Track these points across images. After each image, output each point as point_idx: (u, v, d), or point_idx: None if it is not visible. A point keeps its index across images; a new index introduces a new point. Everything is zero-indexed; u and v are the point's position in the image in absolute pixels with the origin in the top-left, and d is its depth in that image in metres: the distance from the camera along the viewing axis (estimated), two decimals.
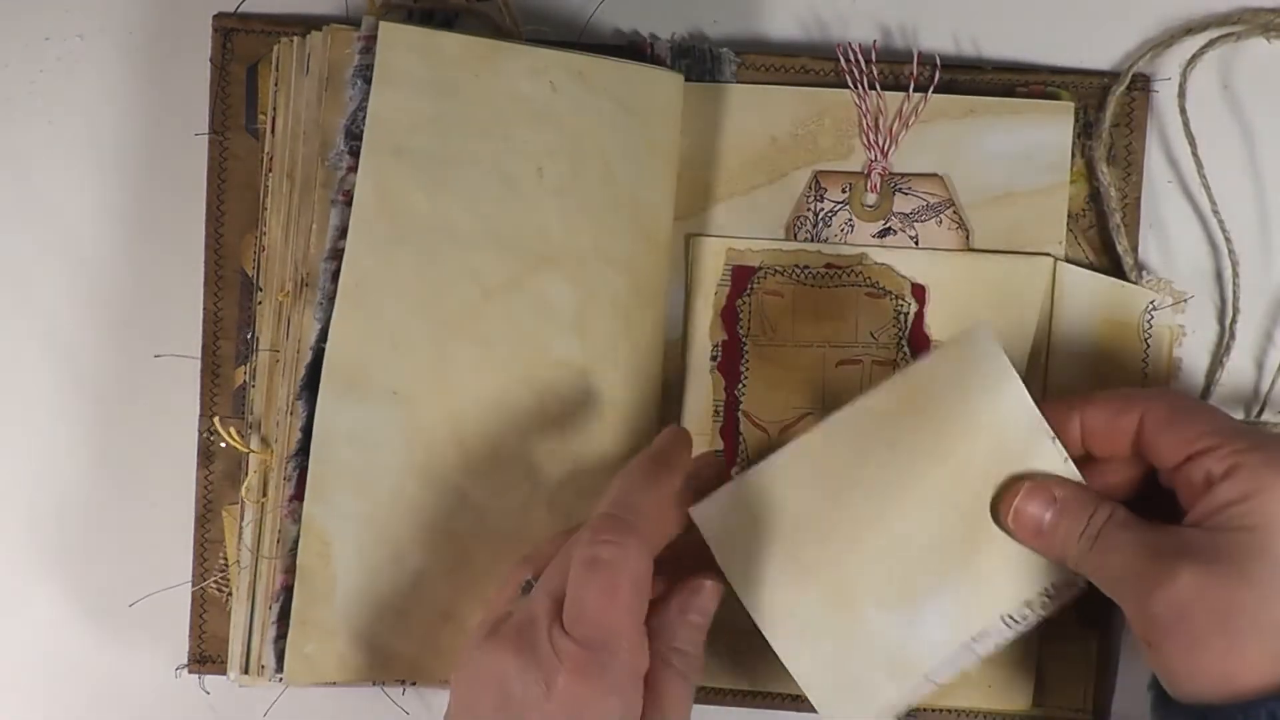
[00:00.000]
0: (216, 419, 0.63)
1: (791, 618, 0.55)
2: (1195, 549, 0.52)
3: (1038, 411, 0.55)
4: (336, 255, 0.58)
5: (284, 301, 0.61)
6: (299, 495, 0.58)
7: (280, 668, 0.58)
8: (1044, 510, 0.55)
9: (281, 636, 0.58)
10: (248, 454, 0.62)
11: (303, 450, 0.58)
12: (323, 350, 0.58)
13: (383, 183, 0.58)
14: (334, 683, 0.59)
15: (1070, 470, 0.56)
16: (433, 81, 0.58)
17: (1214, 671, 0.51)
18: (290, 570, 0.58)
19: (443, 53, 0.58)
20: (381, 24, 0.57)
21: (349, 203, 0.58)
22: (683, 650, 0.54)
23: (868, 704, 0.56)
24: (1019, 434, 0.55)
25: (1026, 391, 0.55)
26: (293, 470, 0.59)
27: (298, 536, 0.58)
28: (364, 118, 0.57)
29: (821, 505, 0.55)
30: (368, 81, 0.57)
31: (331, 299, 0.58)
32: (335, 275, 0.58)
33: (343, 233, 0.58)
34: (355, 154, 0.58)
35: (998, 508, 0.56)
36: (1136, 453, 0.56)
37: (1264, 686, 0.50)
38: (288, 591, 0.58)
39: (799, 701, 0.63)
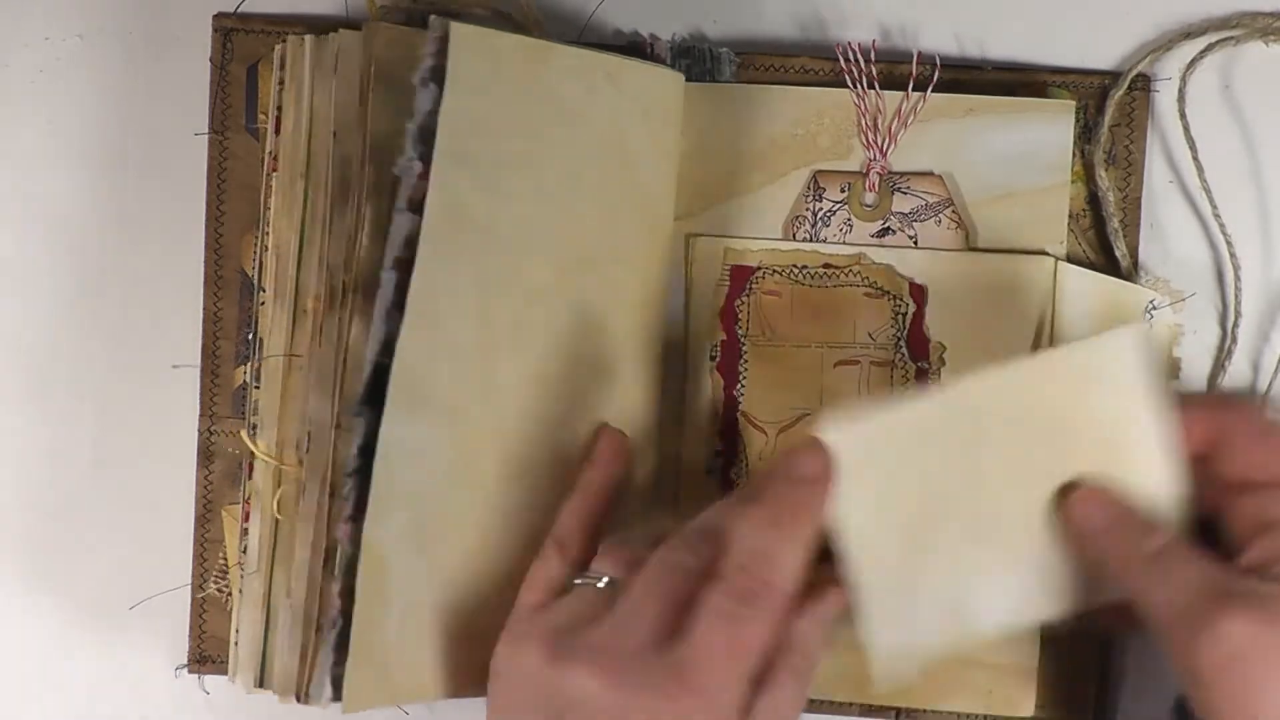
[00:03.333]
0: (243, 433, 0.61)
1: (880, 565, 0.54)
2: (1250, 596, 0.50)
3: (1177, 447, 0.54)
4: (399, 265, 0.54)
5: (315, 307, 0.59)
6: (355, 516, 0.55)
7: (337, 695, 0.55)
8: (1105, 512, 0.53)
9: (339, 664, 0.55)
10: (254, 458, 0.61)
11: (360, 470, 0.55)
12: (384, 365, 0.54)
13: (452, 191, 0.55)
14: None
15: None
16: (493, 84, 0.56)
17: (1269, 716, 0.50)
18: (345, 594, 0.55)
19: (502, 54, 0.56)
20: (453, 25, 0.54)
21: (414, 210, 0.54)
22: (805, 656, 0.53)
23: (915, 644, 0.55)
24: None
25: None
26: (350, 490, 0.55)
27: (353, 559, 0.55)
28: (434, 122, 0.54)
29: (936, 465, 0.54)
30: (439, 84, 0.54)
31: (393, 310, 0.54)
32: (398, 286, 0.54)
33: (409, 242, 0.54)
34: (425, 160, 0.54)
35: (1060, 500, 0.54)
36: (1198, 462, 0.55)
37: None
38: (345, 617, 0.55)
39: None
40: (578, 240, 0.59)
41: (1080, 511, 0.54)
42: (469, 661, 0.58)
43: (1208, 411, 0.55)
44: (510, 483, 0.58)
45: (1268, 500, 0.52)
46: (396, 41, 0.57)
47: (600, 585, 0.55)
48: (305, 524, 0.58)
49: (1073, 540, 0.54)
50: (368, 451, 0.55)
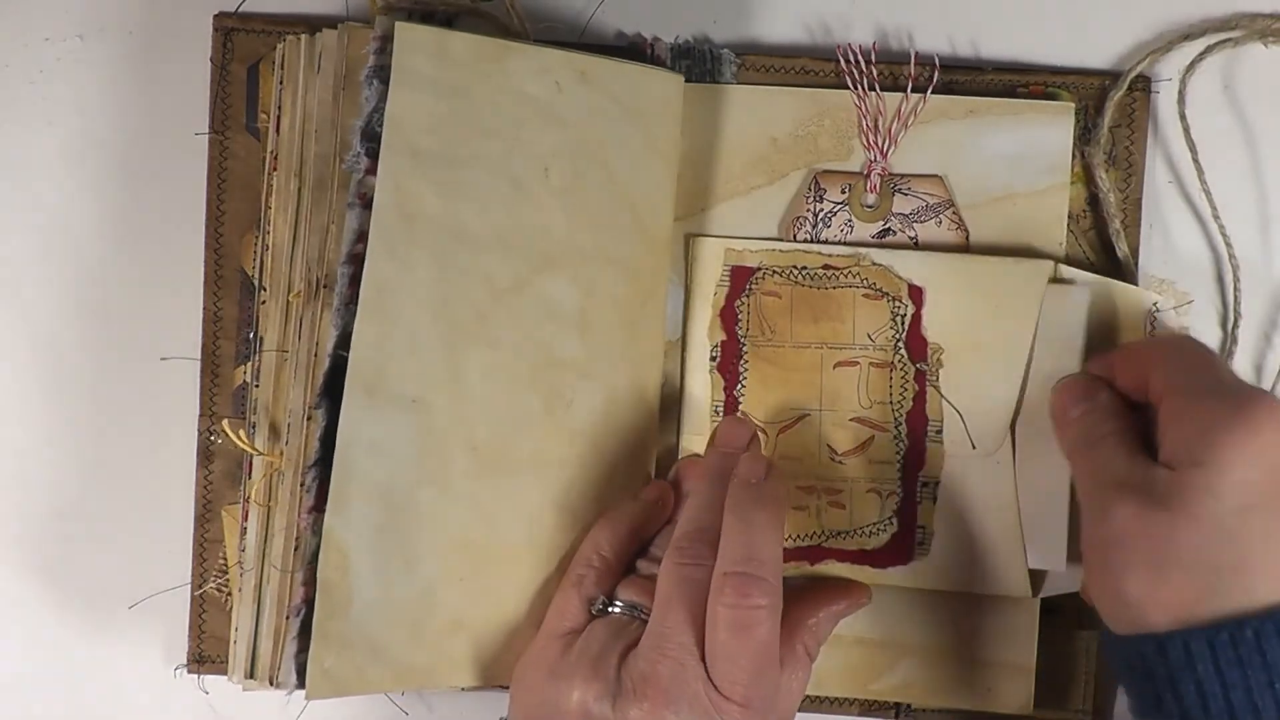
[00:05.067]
0: (225, 422, 0.62)
1: None
2: (1143, 485, 0.53)
3: None
4: (353, 260, 0.57)
5: (295, 302, 0.60)
6: (318, 506, 0.57)
7: (301, 682, 0.57)
8: (1075, 406, 0.58)
9: (302, 651, 0.56)
10: (254, 455, 0.61)
11: (321, 461, 0.57)
12: (341, 357, 0.56)
13: (401, 186, 0.57)
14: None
15: None
16: (445, 82, 0.57)
17: (1132, 604, 0.52)
18: (310, 583, 0.56)
19: (454, 53, 0.57)
20: (397, 25, 0.56)
21: (366, 205, 0.56)
22: (819, 641, 0.60)
23: None
24: None
25: None
26: (312, 481, 0.57)
27: (318, 549, 0.56)
28: (380, 119, 0.56)
29: None
30: (384, 82, 0.56)
31: (348, 304, 0.56)
32: (352, 280, 0.56)
33: (360, 236, 0.56)
34: (372, 156, 0.56)
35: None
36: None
37: (1175, 625, 0.51)
38: (308, 605, 0.56)
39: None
40: (549, 237, 0.59)
41: (1054, 399, 0.60)
42: (449, 655, 0.59)
43: (1132, 349, 0.59)
44: (484, 478, 0.59)
45: (1165, 408, 0.55)
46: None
47: (624, 613, 0.57)
48: (282, 513, 0.60)
49: (1053, 419, 0.60)
50: (329, 442, 0.57)
